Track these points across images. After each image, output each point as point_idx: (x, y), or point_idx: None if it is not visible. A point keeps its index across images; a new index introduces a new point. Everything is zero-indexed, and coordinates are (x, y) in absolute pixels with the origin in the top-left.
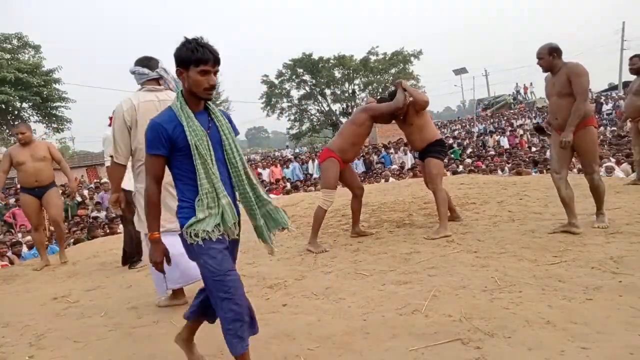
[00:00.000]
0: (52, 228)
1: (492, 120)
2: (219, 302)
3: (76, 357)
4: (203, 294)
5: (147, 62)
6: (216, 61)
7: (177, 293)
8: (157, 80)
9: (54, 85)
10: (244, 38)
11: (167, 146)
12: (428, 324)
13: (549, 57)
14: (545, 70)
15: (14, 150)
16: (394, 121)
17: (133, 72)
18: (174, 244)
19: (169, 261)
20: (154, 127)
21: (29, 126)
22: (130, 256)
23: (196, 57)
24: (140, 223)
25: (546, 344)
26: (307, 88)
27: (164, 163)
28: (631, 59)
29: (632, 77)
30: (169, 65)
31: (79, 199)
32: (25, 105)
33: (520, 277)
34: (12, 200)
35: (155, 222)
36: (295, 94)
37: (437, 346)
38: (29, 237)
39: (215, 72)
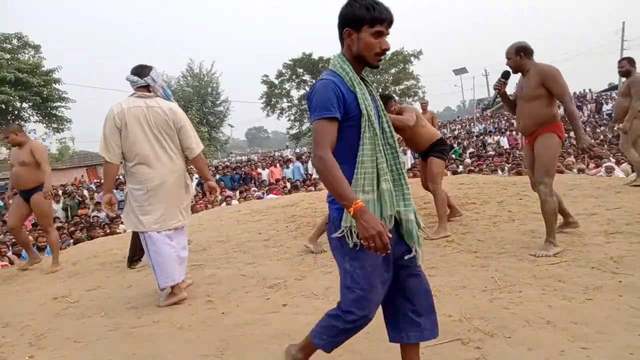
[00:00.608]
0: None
1: (492, 120)
2: (339, 311)
3: (76, 357)
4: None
5: (139, 70)
6: (391, 22)
7: (175, 289)
8: (148, 88)
9: (54, 85)
10: (244, 38)
11: (341, 110)
12: None
13: (516, 56)
14: (514, 71)
15: (11, 152)
16: None
17: (127, 80)
18: (171, 243)
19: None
20: (329, 85)
21: (15, 128)
22: (133, 255)
23: (372, 16)
24: (129, 221)
25: (546, 344)
26: (307, 88)
27: (337, 129)
28: (620, 62)
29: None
30: (159, 70)
31: (79, 198)
32: (25, 105)
33: (520, 277)
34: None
35: (349, 190)
36: (295, 94)
37: (437, 346)
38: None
39: (387, 35)
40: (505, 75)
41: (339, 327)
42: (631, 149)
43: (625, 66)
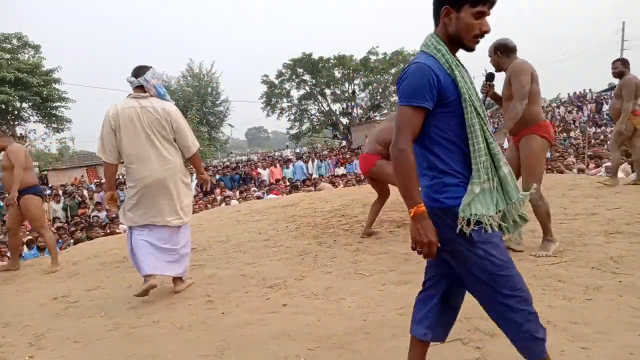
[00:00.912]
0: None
1: (492, 120)
2: (503, 300)
3: (76, 357)
4: (429, 297)
5: (137, 71)
6: (493, 2)
7: (146, 277)
8: (143, 88)
9: (53, 85)
10: (244, 38)
11: (434, 97)
12: None
13: (494, 54)
14: (496, 70)
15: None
16: None
17: (127, 81)
18: (151, 241)
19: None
20: (424, 70)
21: None
22: None
23: None
24: (124, 217)
25: (546, 344)
26: (307, 88)
27: (423, 119)
28: (613, 63)
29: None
30: (159, 70)
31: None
32: (25, 105)
33: None
34: None
35: (417, 193)
36: (295, 94)
37: (437, 346)
38: (29, 237)
39: (488, 16)
40: (489, 78)
41: (526, 312)
42: (617, 150)
43: (619, 67)
